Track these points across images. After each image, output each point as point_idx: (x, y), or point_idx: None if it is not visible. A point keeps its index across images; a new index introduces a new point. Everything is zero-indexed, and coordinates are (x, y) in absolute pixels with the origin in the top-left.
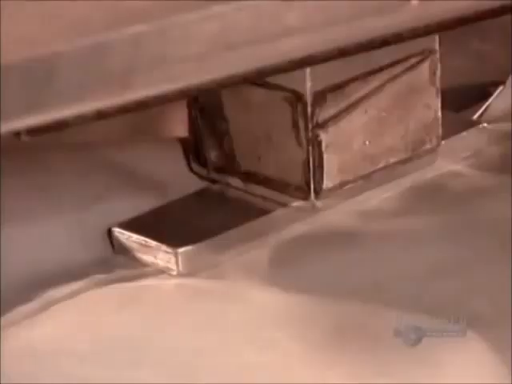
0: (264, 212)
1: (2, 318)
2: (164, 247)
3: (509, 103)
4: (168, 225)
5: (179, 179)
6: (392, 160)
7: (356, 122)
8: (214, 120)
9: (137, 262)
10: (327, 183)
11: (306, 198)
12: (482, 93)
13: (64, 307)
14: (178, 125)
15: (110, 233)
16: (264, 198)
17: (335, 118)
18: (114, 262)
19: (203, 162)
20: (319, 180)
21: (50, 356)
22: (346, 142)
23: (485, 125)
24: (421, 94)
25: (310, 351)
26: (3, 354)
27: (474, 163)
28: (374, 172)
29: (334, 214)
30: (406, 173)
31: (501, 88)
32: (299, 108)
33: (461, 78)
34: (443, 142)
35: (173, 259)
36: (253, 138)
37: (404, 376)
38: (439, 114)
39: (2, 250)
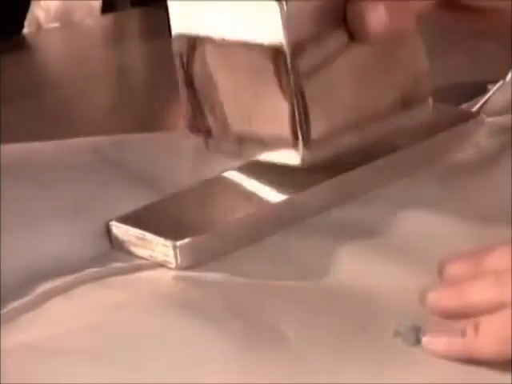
0: (265, 203)
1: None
2: (162, 240)
3: (508, 97)
4: (166, 218)
5: (176, 174)
6: (381, 110)
7: (340, 71)
8: (204, 87)
9: (135, 256)
10: (315, 134)
11: (296, 151)
12: (482, 91)
13: (60, 302)
14: (180, 119)
15: (107, 227)
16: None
17: (317, 68)
18: (112, 256)
19: (198, 130)
20: (307, 131)
21: (48, 354)
22: (331, 92)
23: (484, 117)
24: (406, 43)
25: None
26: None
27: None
28: (363, 122)
29: None
30: (398, 125)
31: (500, 82)
32: (280, 62)
33: (460, 76)
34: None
35: (171, 252)
36: (241, 99)
37: (404, 376)
38: (427, 64)
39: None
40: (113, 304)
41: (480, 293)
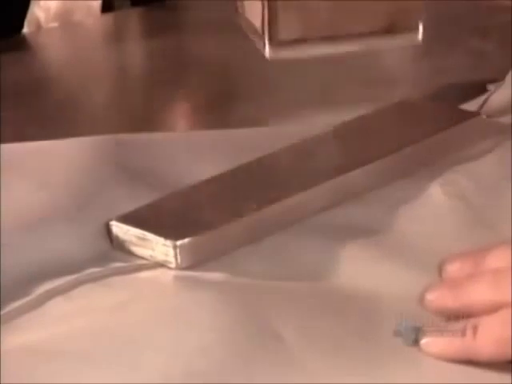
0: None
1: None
2: (162, 240)
3: (507, 97)
4: (167, 218)
5: (176, 173)
6: (360, 30)
7: None
8: None
9: (135, 256)
10: (283, 35)
11: (264, 46)
12: (482, 91)
13: (60, 302)
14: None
15: (107, 227)
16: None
17: None
18: (112, 256)
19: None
20: (274, 31)
21: (48, 355)
22: (306, 3)
23: (484, 117)
24: None
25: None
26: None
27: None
28: (339, 36)
29: None
30: (380, 46)
31: (500, 83)
32: None
33: (460, 76)
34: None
35: (171, 252)
36: None
37: (404, 376)
38: None
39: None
40: (113, 304)
41: (478, 293)
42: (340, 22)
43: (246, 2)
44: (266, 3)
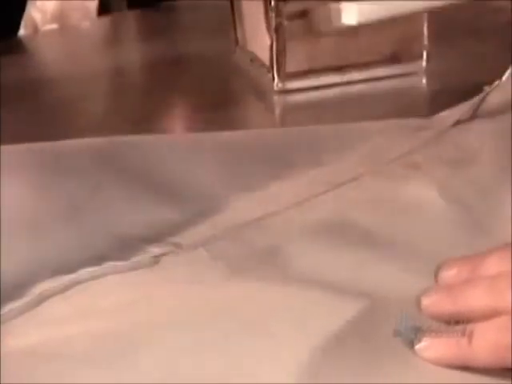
0: None
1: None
2: None
3: (504, 97)
4: None
5: (173, 175)
6: (366, 60)
7: (326, 20)
8: (239, 5)
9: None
10: (291, 67)
11: (273, 78)
12: (478, 91)
13: (58, 302)
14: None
15: None
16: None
17: (303, 13)
18: (110, 256)
19: (232, 36)
20: (282, 63)
21: (47, 356)
22: (312, 36)
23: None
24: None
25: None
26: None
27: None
28: (345, 66)
29: None
30: (384, 75)
31: (496, 83)
32: (268, 3)
33: (457, 78)
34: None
35: None
36: (253, 23)
37: (404, 376)
38: (423, 26)
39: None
40: (112, 304)
41: (475, 298)
42: (345, 52)
43: (248, 35)
44: (274, 37)
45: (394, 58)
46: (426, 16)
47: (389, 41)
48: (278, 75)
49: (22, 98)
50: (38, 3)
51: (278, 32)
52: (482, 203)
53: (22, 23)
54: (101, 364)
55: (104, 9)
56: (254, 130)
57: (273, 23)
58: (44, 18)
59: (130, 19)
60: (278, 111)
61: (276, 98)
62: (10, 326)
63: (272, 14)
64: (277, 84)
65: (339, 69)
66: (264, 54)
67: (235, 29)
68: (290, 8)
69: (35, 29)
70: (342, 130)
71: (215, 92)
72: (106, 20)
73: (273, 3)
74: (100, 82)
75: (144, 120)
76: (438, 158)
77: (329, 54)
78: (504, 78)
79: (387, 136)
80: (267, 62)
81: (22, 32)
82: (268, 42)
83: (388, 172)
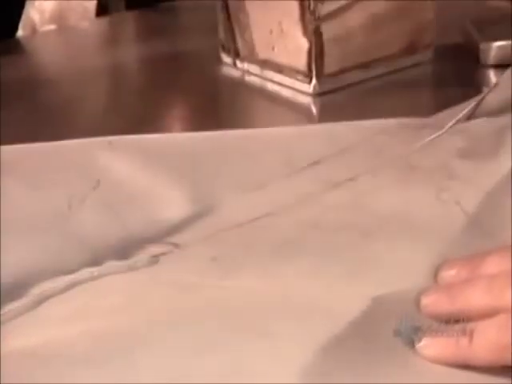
0: None
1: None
2: None
3: (502, 99)
4: None
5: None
6: (387, 53)
7: (355, 18)
8: (238, 15)
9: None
10: (328, 69)
11: (309, 81)
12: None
13: (57, 302)
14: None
15: None
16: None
17: (336, 13)
18: (109, 256)
19: (229, 52)
20: (320, 67)
21: (46, 357)
22: (346, 34)
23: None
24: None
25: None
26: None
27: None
28: (371, 62)
29: None
30: (401, 66)
31: (494, 84)
32: (305, 3)
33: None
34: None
35: None
36: (268, 31)
37: (404, 376)
38: (433, 15)
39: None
40: (111, 304)
41: (474, 298)
42: (370, 47)
43: (259, 44)
44: (313, 39)
45: (409, 50)
46: (435, 5)
47: (404, 32)
48: (317, 79)
49: (20, 98)
50: (37, 4)
51: (316, 34)
52: (481, 203)
53: (21, 24)
54: (101, 364)
55: (102, 9)
56: (249, 129)
57: (311, 26)
58: (42, 18)
59: (129, 20)
60: (316, 113)
61: (311, 100)
62: (10, 326)
63: (310, 17)
64: (313, 87)
65: (367, 65)
66: (295, 60)
67: (234, 42)
68: (325, 9)
69: (34, 29)
70: (342, 129)
71: (212, 95)
72: (104, 20)
73: (312, 6)
74: (98, 82)
75: (142, 120)
76: (437, 158)
77: (358, 52)
78: (501, 79)
79: (387, 135)
80: (300, 67)
81: (20, 32)
82: (305, 45)
83: (388, 172)
